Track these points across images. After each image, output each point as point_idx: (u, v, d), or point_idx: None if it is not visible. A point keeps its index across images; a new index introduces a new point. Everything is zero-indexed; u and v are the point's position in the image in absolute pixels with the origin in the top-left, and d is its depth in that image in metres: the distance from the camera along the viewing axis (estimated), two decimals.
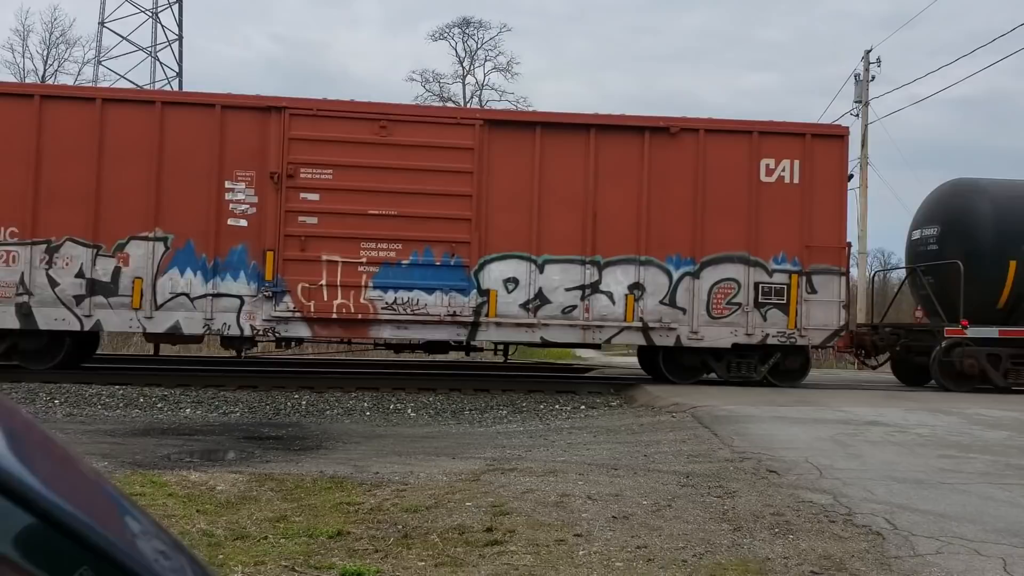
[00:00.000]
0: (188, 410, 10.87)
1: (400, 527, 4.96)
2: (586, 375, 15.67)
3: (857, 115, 26.22)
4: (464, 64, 44.59)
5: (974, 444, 7.96)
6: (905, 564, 4.23)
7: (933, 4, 78.87)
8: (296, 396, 11.77)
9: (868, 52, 26.09)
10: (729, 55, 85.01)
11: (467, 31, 43.95)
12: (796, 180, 12.93)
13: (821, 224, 12.95)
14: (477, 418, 10.95)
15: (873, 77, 26.15)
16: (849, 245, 13.34)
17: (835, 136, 13.34)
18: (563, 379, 14.17)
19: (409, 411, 11.27)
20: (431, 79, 44.50)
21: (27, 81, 37.33)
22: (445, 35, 44.35)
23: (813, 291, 12.89)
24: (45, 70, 40.59)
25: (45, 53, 41.27)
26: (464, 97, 44.69)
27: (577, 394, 12.66)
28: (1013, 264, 13.56)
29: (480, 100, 44.86)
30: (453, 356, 20.36)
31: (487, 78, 45.06)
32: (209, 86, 62.84)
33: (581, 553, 4.43)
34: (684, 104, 80.00)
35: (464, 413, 11.26)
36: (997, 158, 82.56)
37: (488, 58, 44.70)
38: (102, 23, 39.94)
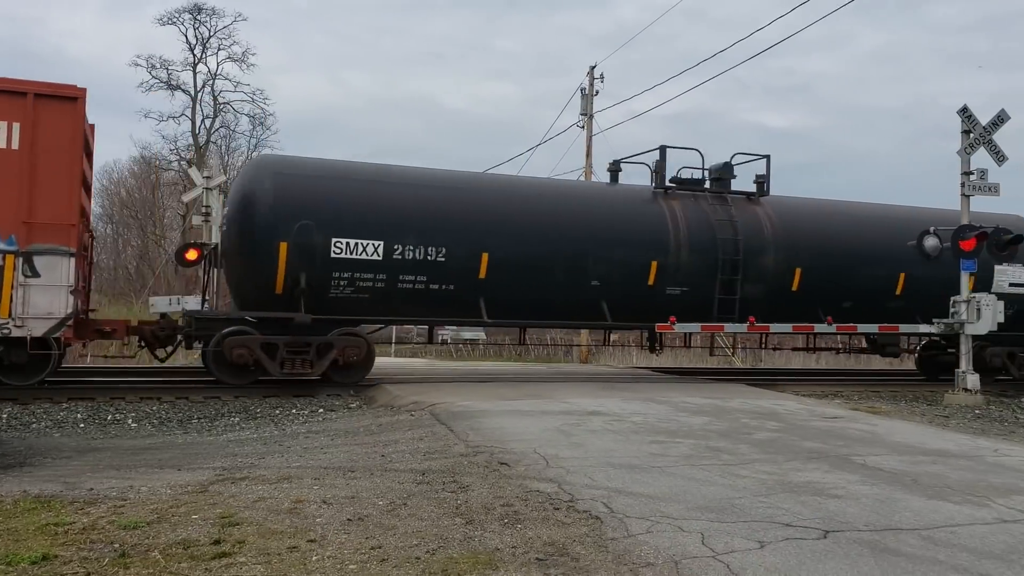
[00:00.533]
0: None
1: (117, 546, 4.62)
2: None
3: (583, 127, 27.98)
4: (195, 52, 42.23)
5: (680, 430, 8.78)
6: (620, 544, 4.59)
7: (649, 27, 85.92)
8: None
9: (593, 68, 27.91)
10: (469, 62, 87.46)
11: (199, 17, 41.67)
12: (15, 146, 11.13)
13: (47, 198, 11.19)
14: (207, 426, 10.43)
15: (597, 92, 28.02)
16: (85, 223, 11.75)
17: (67, 98, 11.50)
18: (301, 382, 13.85)
19: (130, 421, 10.50)
20: (158, 65, 41.74)
21: None
22: (174, 20, 41.77)
23: (35, 274, 11.11)
24: None
25: None
26: (195, 86, 42.36)
27: (315, 397, 12.43)
28: (284, 247, 12.61)
29: (213, 90, 42.77)
30: (181, 362, 19.22)
31: (220, 68, 42.99)
32: None
33: (315, 559, 4.37)
34: (426, 107, 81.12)
35: (192, 422, 10.67)
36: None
37: (222, 47, 42.64)
38: None
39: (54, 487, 6.32)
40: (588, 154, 27.62)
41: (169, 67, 41.97)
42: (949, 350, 17.27)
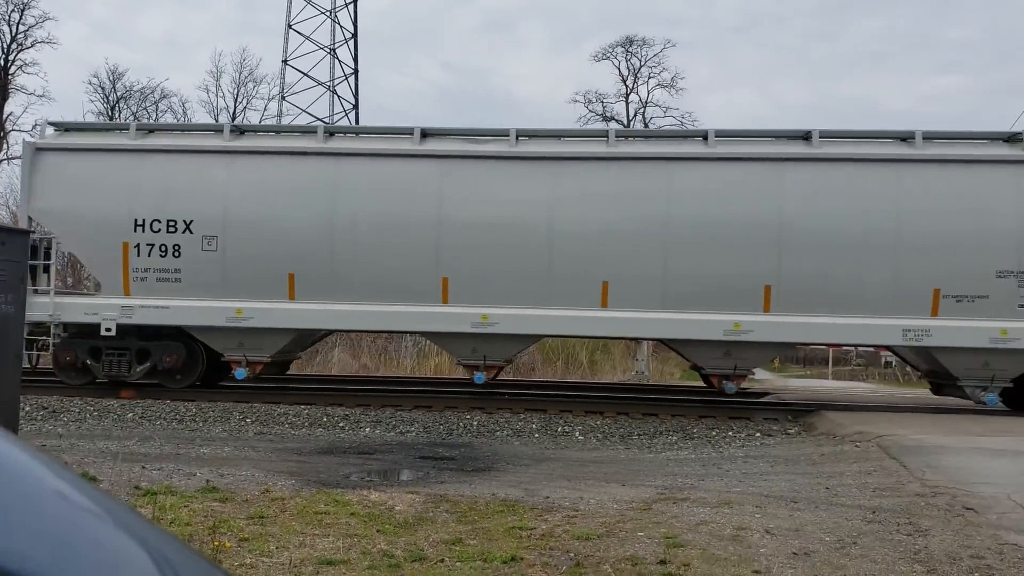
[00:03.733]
0: (368, 429, 11.34)
1: (572, 555, 4.95)
2: (761, 400, 15.16)
3: None
4: (627, 83, 44.48)
5: None
6: None
7: None
8: (468, 416, 12.04)
9: None
10: (911, 58, 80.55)
11: (630, 49, 43.85)
12: None
13: None
14: (646, 443, 10.80)
15: None
16: None
17: None
18: (736, 404, 13.76)
19: (577, 434, 11.27)
20: (594, 99, 44.68)
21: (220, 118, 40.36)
22: (608, 55, 44.45)
23: None
24: (235, 107, 43.82)
25: (236, 92, 44.56)
26: (627, 115, 44.55)
27: (751, 420, 12.25)
28: None
29: (644, 118, 44.61)
30: (620, 377, 20.25)
31: (651, 95, 44.74)
32: (383, 116, 65.93)
33: None
34: (865, 112, 76.38)
35: (633, 438, 11.13)
36: None
37: (652, 75, 44.37)
38: (285, 61, 42.67)
39: (516, 492, 6.98)
40: None
41: (604, 100, 44.72)
42: None
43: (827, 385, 21.16)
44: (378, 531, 5.52)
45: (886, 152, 12.26)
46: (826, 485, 7.24)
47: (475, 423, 11.67)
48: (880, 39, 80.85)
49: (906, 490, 6.79)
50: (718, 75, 72.91)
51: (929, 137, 12.36)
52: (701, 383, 15.83)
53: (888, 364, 28.57)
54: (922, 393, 18.73)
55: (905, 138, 12.43)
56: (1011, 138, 12.28)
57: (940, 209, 11.95)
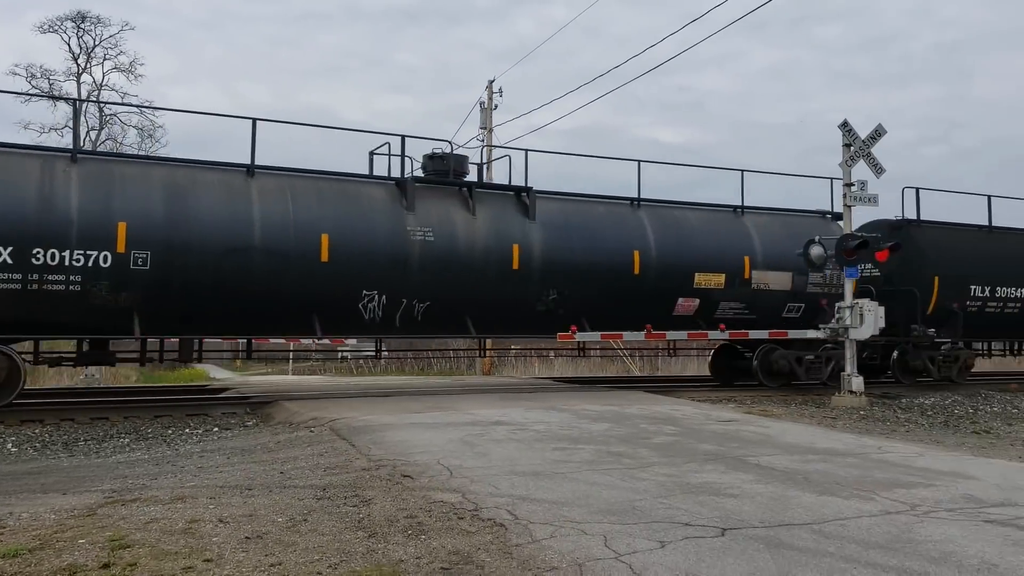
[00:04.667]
0: None
1: None
2: (220, 396, 14.99)
3: (483, 140, 28.13)
4: (79, 61, 40.47)
5: (581, 436, 8.88)
6: (525, 551, 4.61)
7: (547, 42, 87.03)
8: None
9: (491, 82, 28.16)
10: (368, 75, 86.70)
11: (83, 26, 39.93)
12: None
13: None
14: (94, 448, 9.97)
15: (496, 106, 28.29)
16: None
17: None
18: (194, 402, 13.41)
19: (9, 445, 9.94)
20: (39, 75, 39.75)
21: None
22: (56, 28, 39.91)
23: None
24: None
25: None
26: (78, 95, 40.56)
27: (210, 416, 12.06)
28: None
29: (99, 100, 41.07)
30: (68, 381, 18.37)
31: (106, 78, 41.29)
32: None
33: None
34: (324, 120, 80.00)
35: (79, 444, 10.18)
36: (605, 184, 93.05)
37: (108, 57, 40.96)
38: None
39: None
40: (488, 167, 27.77)
41: (51, 77, 40.10)
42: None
43: (288, 380, 21.79)
44: None
45: None
46: (281, 470, 7.44)
47: None
48: (338, 54, 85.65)
49: (354, 466, 7.30)
50: (181, 67, 70.29)
51: None
52: (158, 383, 15.12)
53: (343, 358, 30.43)
54: (379, 380, 20.31)
55: None
56: None
57: None
